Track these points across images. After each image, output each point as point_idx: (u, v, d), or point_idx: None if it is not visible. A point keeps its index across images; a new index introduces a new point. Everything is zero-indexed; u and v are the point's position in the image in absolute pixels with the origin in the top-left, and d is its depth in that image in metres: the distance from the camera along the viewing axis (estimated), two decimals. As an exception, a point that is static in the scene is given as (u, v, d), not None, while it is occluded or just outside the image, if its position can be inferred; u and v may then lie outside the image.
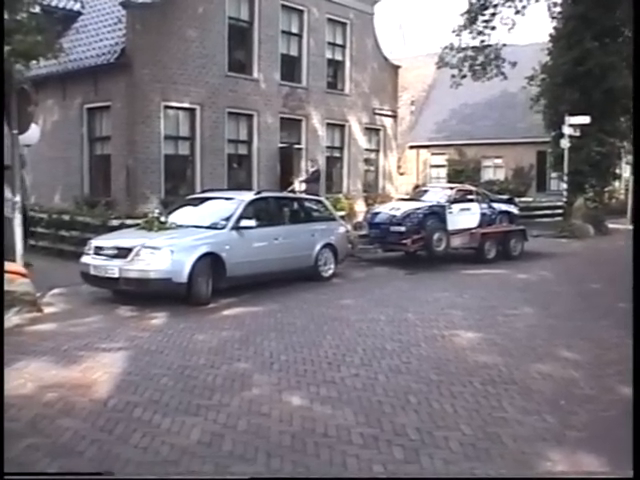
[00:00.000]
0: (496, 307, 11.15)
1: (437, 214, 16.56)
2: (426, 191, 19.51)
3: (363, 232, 17.32)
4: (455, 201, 17.23)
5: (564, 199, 26.00)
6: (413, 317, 10.22)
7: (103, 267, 11.12)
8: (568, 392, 6.72)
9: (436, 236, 16.15)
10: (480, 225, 17.38)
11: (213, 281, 11.33)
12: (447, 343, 8.67)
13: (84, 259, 11.67)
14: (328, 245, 14.11)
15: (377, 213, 17.35)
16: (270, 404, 6.25)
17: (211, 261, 11.29)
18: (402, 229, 15.98)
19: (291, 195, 15.98)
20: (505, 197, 20.58)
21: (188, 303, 10.90)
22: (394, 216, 16.37)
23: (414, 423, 5.84)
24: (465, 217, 17.18)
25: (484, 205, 17.89)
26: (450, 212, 16.72)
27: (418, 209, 16.47)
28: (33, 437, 5.46)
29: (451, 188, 18.76)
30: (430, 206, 16.75)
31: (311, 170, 20.87)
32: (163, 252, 10.88)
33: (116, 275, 10.89)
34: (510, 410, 6.19)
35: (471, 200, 17.83)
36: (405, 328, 9.48)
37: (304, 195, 16.72)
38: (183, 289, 10.90)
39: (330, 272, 14.10)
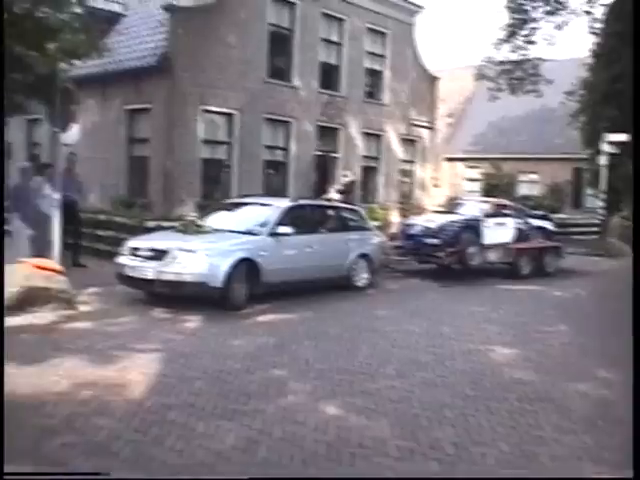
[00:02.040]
0: (531, 323, 11.02)
1: (472, 228, 16.40)
2: (461, 204, 19.36)
3: (397, 243, 17.24)
4: (491, 215, 17.07)
5: (600, 217, 25.70)
6: (448, 330, 10.11)
7: (138, 268, 11.13)
8: (605, 412, 6.61)
9: (471, 250, 16.02)
10: (515, 240, 17.18)
11: (248, 286, 11.30)
12: (482, 358, 8.57)
13: (120, 260, 11.70)
14: (363, 255, 14.03)
15: (412, 225, 17.26)
16: (305, 412, 6.20)
17: (247, 266, 11.26)
18: (437, 241, 15.86)
19: (327, 203, 15.91)
20: (541, 213, 20.36)
21: (223, 308, 10.88)
22: (429, 228, 16.27)
23: (450, 438, 5.76)
24: (500, 232, 16.99)
25: (520, 220, 17.69)
26: (485, 226, 16.57)
27: (453, 222, 16.35)
28: (68, 435, 5.46)
29: (487, 202, 18.62)
30: (466, 219, 16.62)
31: (346, 180, 20.83)
32: (199, 255, 10.87)
33: (151, 277, 10.89)
34: (547, 428, 6.09)
35: (507, 215, 17.64)
36: (440, 341, 9.38)
37: (340, 204, 16.64)
38: (218, 293, 10.87)
39: (364, 282, 14.01)
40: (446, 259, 15.86)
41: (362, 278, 13.97)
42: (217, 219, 12.86)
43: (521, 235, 17.43)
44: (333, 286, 13.33)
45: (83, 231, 14.98)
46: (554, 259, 17.80)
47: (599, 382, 7.61)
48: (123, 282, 11.70)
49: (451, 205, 20.15)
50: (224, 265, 10.89)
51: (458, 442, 5.66)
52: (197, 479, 5.08)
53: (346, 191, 20.01)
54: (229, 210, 13.75)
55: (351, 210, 15.34)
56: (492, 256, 16.72)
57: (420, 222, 17.13)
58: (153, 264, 10.96)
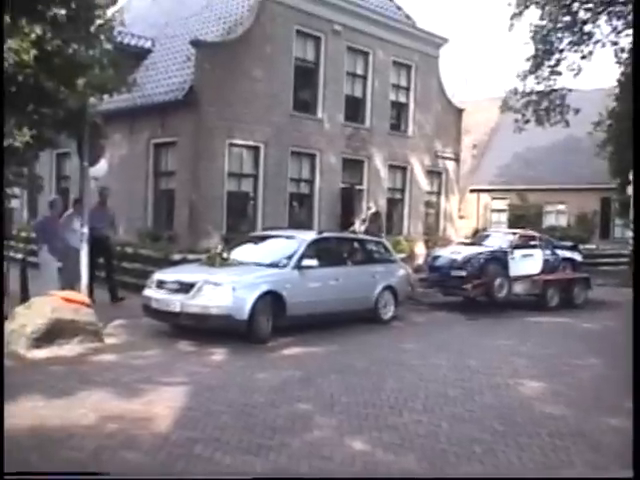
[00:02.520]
0: (560, 356, 10.88)
1: (499, 259, 16.32)
2: (488, 235, 19.30)
3: (423, 275, 17.16)
4: (517, 247, 16.97)
5: (630, 247, 25.43)
6: (475, 364, 10.01)
7: (165, 301, 11.18)
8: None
9: (497, 282, 15.92)
10: (543, 272, 17.07)
11: (273, 319, 11.28)
12: (511, 392, 8.47)
13: (146, 292, 11.76)
14: (388, 287, 13.96)
15: (438, 257, 17.20)
16: (332, 447, 6.15)
17: (272, 299, 11.25)
18: (463, 274, 15.80)
19: (352, 236, 15.89)
20: (569, 244, 20.20)
21: (248, 341, 10.85)
22: (455, 260, 16.20)
23: (480, 474, 5.67)
24: (527, 263, 16.88)
25: (547, 251, 17.59)
26: (512, 258, 16.47)
27: (480, 254, 16.29)
28: (95, 468, 5.45)
29: (513, 233, 18.52)
30: (492, 251, 16.55)
31: (370, 212, 20.83)
32: (225, 288, 10.88)
33: (177, 309, 10.94)
34: (579, 464, 5.98)
35: (534, 246, 17.54)
36: (468, 375, 9.28)
37: (365, 236, 16.60)
38: (243, 326, 10.85)
39: (390, 315, 13.93)
40: (472, 291, 15.78)
41: (388, 311, 13.91)
42: (242, 252, 12.87)
43: (549, 266, 17.31)
44: (358, 319, 13.28)
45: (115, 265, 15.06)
46: (582, 290, 17.66)
47: (632, 416, 7.46)
48: (149, 314, 11.74)
49: (477, 237, 20.07)
50: (250, 298, 10.90)
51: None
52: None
53: (371, 223, 19.99)
54: (254, 243, 13.82)
55: (376, 242, 15.32)
56: (519, 288, 16.60)
57: (446, 254, 17.07)
58: (179, 297, 11.01)
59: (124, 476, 5.04)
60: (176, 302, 10.97)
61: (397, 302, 14.18)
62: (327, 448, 6.11)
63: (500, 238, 18.03)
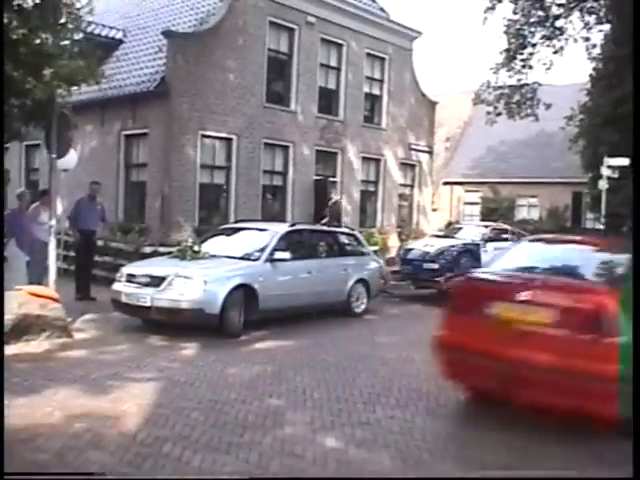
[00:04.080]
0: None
1: (471, 252, 16.32)
2: (460, 228, 19.29)
3: (395, 268, 17.11)
4: (490, 239, 16.97)
5: (600, 241, 25.58)
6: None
7: (135, 295, 10.97)
8: None
9: None
10: None
11: (245, 313, 11.13)
12: (485, 387, 8.40)
13: (115, 286, 11.55)
14: (361, 280, 13.87)
15: (410, 249, 17.17)
16: (304, 444, 6.04)
17: (244, 293, 11.12)
18: (435, 266, 15.79)
19: (324, 228, 15.73)
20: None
21: (220, 335, 10.71)
22: (427, 253, 16.18)
23: (453, 471, 5.60)
24: None
25: None
26: (485, 250, 16.44)
27: (452, 246, 16.28)
28: (60, 470, 5.29)
29: (486, 226, 18.54)
30: (464, 244, 16.53)
31: (330, 202, 20.68)
32: (196, 282, 10.71)
33: (148, 304, 10.73)
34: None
35: (506, 239, 17.49)
36: (441, 369, 9.21)
37: (337, 229, 16.41)
38: (215, 320, 10.70)
39: (362, 308, 13.86)
40: (444, 284, 15.67)
41: (360, 304, 13.83)
42: (214, 244, 12.69)
43: None
44: (330, 312, 13.15)
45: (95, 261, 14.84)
46: None
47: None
48: (119, 309, 11.55)
49: (450, 230, 20.05)
50: (221, 291, 10.76)
51: (462, 476, 5.49)
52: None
53: (330, 213, 19.81)
54: (225, 235, 13.63)
55: (348, 234, 15.21)
56: None
57: (418, 247, 17.05)
58: (149, 291, 10.81)
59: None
60: (146, 296, 10.75)
61: (369, 295, 14.11)
62: (299, 446, 6.01)
63: (473, 231, 18.06)
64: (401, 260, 17.08)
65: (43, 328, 9.78)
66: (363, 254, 14.74)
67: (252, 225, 14.03)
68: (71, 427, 6.26)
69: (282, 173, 21.81)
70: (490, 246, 16.69)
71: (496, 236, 17.42)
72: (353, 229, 16.85)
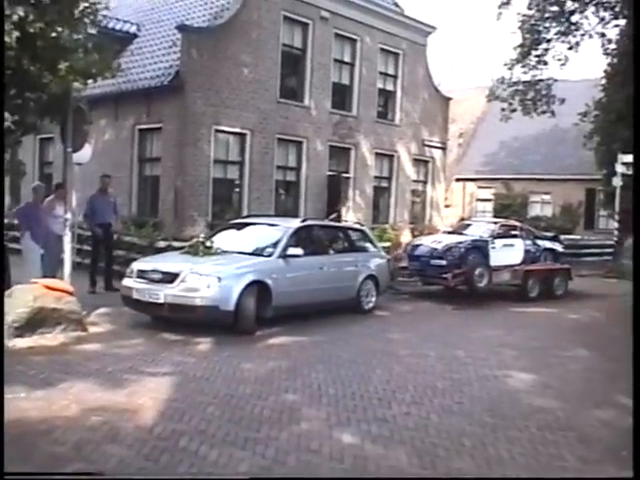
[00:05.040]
0: (548, 348, 10.81)
1: (479, 249, 16.15)
2: (469, 225, 19.08)
3: (403, 264, 16.94)
4: (499, 236, 16.79)
5: (614, 238, 25.48)
6: (463, 354, 9.92)
7: (147, 291, 10.78)
8: (629, 441, 6.39)
9: (478, 271, 15.77)
10: (524, 262, 16.92)
11: (258, 310, 10.95)
12: (500, 384, 8.39)
13: (126, 282, 11.36)
14: (370, 276, 13.70)
15: (418, 245, 16.99)
16: (320, 440, 6.03)
17: (258, 289, 10.94)
18: (443, 263, 15.62)
19: (334, 224, 15.52)
20: (550, 234, 20.11)
21: (234, 332, 10.57)
22: (435, 249, 15.99)
23: (470, 468, 5.60)
24: (508, 253, 16.72)
25: (528, 242, 17.47)
26: (493, 247, 16.31)
27: (460, 243, 16.10)
28: (78, 463, 5.30)
29: (495, 223, 18.37)
30: (473, 240, 16.37)
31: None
32: (211, 279, 10.52)
33: (161, 300, 10.53)
34: (570, 459, 5.90)
35: (515, 236, 17.42)
36: (456, 366, 9.19)
37: (347, 224, 16.25)
38: (230, 317, 10.53)
39: (371, 304, 13.70)
40: (452, 281, 15.61)
41: (370, 301, 13.67)
42: (224, 240, 12.48)
43: (530, 257, 17.21)
44: (341, 309, 13.02)
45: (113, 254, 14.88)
46: (563, 281, 17.52)
47: (623, 410, 7.32)
48: (129, 305, 11.37)
49: (458, 226, 19.91)
50: (236, 288, 10.58)
51: (478, 473, 5.49)
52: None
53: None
54: (235, 230, 13.47)
55: (357, 230, 15.13)
56: (500, 278, 16.45)
57: (426, 243, 16.86)
58: (162, 287, 10.63)
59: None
60: (159, 293, 10.56)
61: (378, 291, 13.96)
62: (315, 441, 6.00)
63: (481, 227, 17.84)
64: (408, 256, 16.88)
65: (58, 321, 9.80)
66: (372, 250, 14.58)
67: (262, 220, 13.93)
68: (88, 420, 6.27)
69: (295, 168, 21.82)
70: (499, 243, 16.57)
71: (505, 233, 17.25)
72: (362, 224, 16.80)
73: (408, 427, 6.51)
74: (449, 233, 18.69)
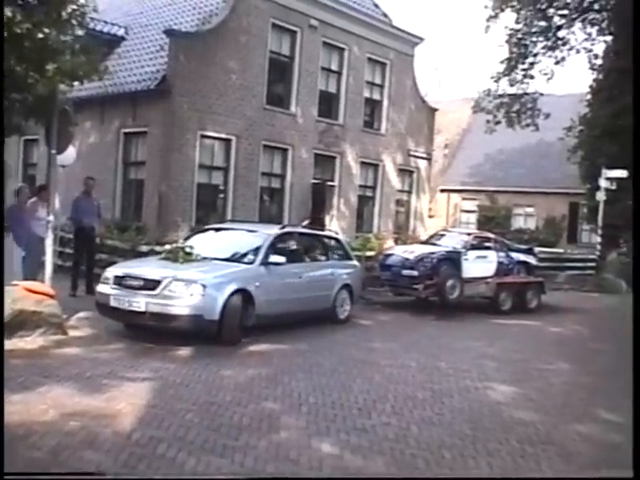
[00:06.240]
0: (529, 360, 10.83)
1: (452, 260, 15.92)
2: (442, 235, 18.76)
3: (375, 274, 16.59)
4: (472, 247, 16.62)
5: (597, 252, 25.63)
6: (445, 366, 9.91)
7: (126, 299, 10.23)
8: (610, 457, 6.41)
9: (450, 283, 15.41)
10: (496, 274, 16.71)
11: (242, 320, 10.61)
12: (481, 396, 8.38)
13: (101, 289, 10.85)
14: (346, 285, 13.41)
15: (390, 255, 16.72)
16: (299, 449, 6.00)
17: (242, 298, 10.61)
18: (415, 273, 15.35)
19: (312, 231, 14.83)
20: (524, 247, 19.99)
21: (217, 342, 10.21)
22: (407, 259, 15.71)
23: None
24: (481, 265, 16.54)
25: (501, 254, 17.28)
26: (466, 259, 16.12)
27: (432, 253, 15.85)
28: (54, 468, 5.25)
29: (468, 234, 18.18)
30: (445, 251, 16.16)
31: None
32: (195, 286, 10.12)
33: (142, 309, 10.03)
34: (549, 473, 5.90)
35: (488, 248, 17.24)
36: (437, 377, 9.18)
37: (323, 232, 15.88)
38: (214, 327, 10.13)
39: (346, 314, 13.41)
40: (423, 292, 15.41)
41: (344, 310, 13.38)
42: (202, 245, 11.90)
43: (503, 269, 17.03)
44: (317, 319, 12.67)
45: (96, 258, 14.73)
46: (536, 295, 17.17)
47: (603, 425, 7.42)
48: (106, 313, 10.82)
49: (432, 236, 19.43)
50: (221, 297, 10.23)
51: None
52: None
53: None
54: (213, 236, 13.04)
55: (332, 238, 14.96)
56: (472, 290, 16.14)
57: (398, 253, 16.59)
58: (143, 295, 10.14)
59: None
60: (140, 300, 10.08)
61: (352, 301, 13.69)
62: (294, 450, 5.97)
63: (455, 238, 17.58)
64: (380, 266, 16.56)
65: (38, 324, 9.72)
66: (346, 258, 14.27)
67: (239, 226, 13.65)
68: (66, 425, 6.21)
69: (280, 175, 21.81)
70: (472, 254, 16.42)
71: (478, 244, 17.07)
72: (337, 232, 16.62)
73: (388, 438, 6.49)
74: (422, 243, 18.44)
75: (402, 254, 16.28)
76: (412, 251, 16.33)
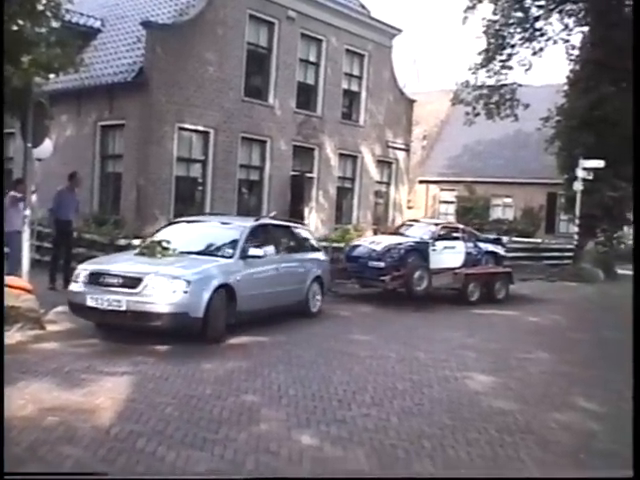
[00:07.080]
0: (508, 350, 10.89)
1: (419, 251, 15.75)
2: (410, 226, 18.34)
3: (341, 265, 16.22)
4: (439, 238, 16.42)
5: (575, 242, 25.82)
6: (424, 356, 9.93)
7: (105, 298, 9.70)
8: (587, 445, 6.47)
9: (417, 274, 15.15)
10: (464, 265, 16.60)
11: (226, 316, 10.32)
12: (460, 386, 8.43)
13: (74, 287, 10.26)
14: (317, 277, 13.22)
15: (356, 246, 16.45)
16: (279, 441, 6.00)
17: (225, 293, 10.27)
18: (381, 265, 15.10)
19: (285, 223, 14.35)
20: (492, 237, 19.90)
21: (201, 339, 9.93)
22: (374, 250, 15.47)
23: (429, 470, 5.62)
24: (449, 256, 16.42)
25: (470, 244, 17.20)
26: (434, 249, 15.99)
27: (399, 244, 15.63)
28: (33, 463, 5.22)
29: (436, 224, 17.95)
30: (412, 242, 15.95)
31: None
32: (178, 282, 9.68)
33: (123, 308, 9.54)
34: (528, 461, 5.94)
35: (456, 238, 17.10)
36: (416, 368, 9.20)
37: (294, 223, 15.57)
38: (199, 324, 9.77)
39: (318, 306, 13.21)
40: (390, 283, 15.16)
41: (316, 302, 13.19)
42: (176, 239, 11.41)
43: (471, 259, 16.97)
44: (290, 312, 12.39)
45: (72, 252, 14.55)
46: (504, 285, 16.97)
47: (581, 413, 7.49)
48: (80, 313, 10.28)
49: (400, 227, 19.14)
50: (206, 293, 9.87)
51: (437, 475, 5.51)
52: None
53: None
54: (185, 229, 12.67)
55: (304, 229, 14.81)
56: (440, 281, 15.89)
57: (365, 244, 16.34)
58: (123, 293, 9.65)
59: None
60: (121, 299, 9.57)
61: (323, 293, 13.52)
62: (274, 443, 5.96)
63: (422, 229, 17.30)
64: (346, 257, 16.30)
65: (16, 319, 9.65)
66: (316, 250, 14.03)
67: (212, 218, 13.45)
68: (44, 420, 6.17)
69: (259, 168, 21.77)
70: (440, 245, 16.28)
71: (446, 234, 16.89)
72: (304, 224, 16.42)
73: (368, 428, 6.50)
74: (389, 234, 18.05)
75: (369, 245, 16.05)
76: (379, 242, 16.09)
